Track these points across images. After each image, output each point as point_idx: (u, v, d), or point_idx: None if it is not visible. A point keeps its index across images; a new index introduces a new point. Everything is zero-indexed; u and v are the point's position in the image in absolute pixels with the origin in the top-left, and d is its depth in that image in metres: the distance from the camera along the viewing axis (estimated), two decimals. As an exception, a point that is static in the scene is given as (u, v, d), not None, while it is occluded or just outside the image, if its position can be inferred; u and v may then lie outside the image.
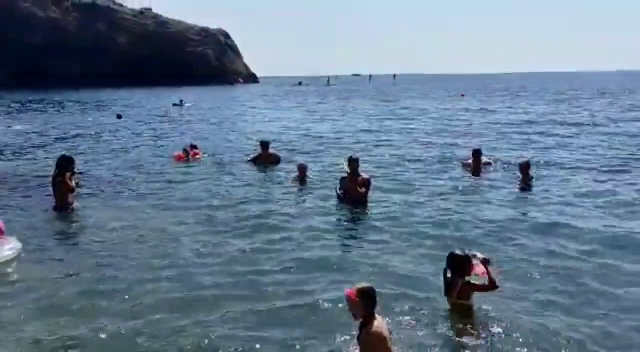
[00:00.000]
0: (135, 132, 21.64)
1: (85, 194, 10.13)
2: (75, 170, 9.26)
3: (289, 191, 10.58)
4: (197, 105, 37.65)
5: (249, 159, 13.62)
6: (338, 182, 9.68)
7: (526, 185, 10.55)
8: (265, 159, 13.26)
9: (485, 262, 4.93)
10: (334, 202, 9.47)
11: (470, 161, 12.58)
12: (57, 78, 76.84)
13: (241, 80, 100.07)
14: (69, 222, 8.59)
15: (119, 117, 27.41)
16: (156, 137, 20.08)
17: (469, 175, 12.10)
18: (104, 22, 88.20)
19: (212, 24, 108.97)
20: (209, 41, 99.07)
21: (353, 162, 9.31)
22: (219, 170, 12.86)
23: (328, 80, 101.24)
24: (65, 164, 8.94)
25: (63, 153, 9.99)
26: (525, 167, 10.88)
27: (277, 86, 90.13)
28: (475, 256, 5.00)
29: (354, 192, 9.19)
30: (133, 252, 7.01)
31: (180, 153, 14.17)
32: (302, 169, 11.23)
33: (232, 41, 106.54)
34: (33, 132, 21.64)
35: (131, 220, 8.48)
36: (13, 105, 39.41)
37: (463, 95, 49.58)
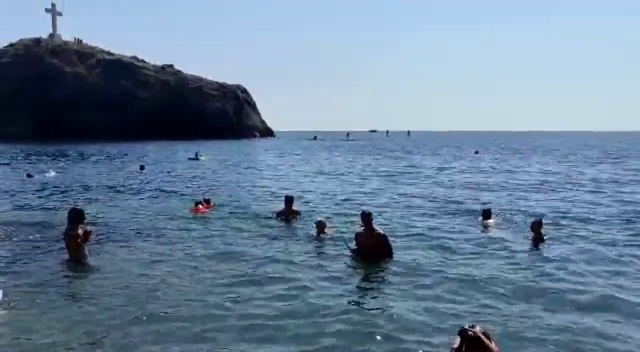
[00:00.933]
0: (154, 183, 22.18)
1: (99, 244, 10.32)
2: (86, 221, 9.34)
3: (307, 246, 10.65)
4: (213, 159, 38.47)
5: (273, 213, 13.70)
6: (353, 237, 9.70)
7: (537, 244, 10.50)
8: (288, 215, 13.37)
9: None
10: (348, 256, 9.53)
11: (480, 219, 12.81)
12: (81, 130, 79.08)
13: (257, 134, 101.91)
14: (78, 273, 8.63)
15: (142, 168, 28.11)
16: (173, 189, 20.51)
17: (480, 231, 12.23)
18: (127, 78, 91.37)
19: (231, 78, 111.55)
20: (227, 96, 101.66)
21: (366, 217, 9.30)
22: (233, 223, 13.03)
23: (347, 135, 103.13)
24: (76, 217, 9.06)
25: (74, 206, 10.05)
26: (536, 226, 10.82)
27: (293, 140, 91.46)
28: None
29: (369, 248, 9.14)
30: (144, 305, 6.97)
31: (196, 205, 14.54)
32: (321, 225, 11.33)
33: (250, 96, 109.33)
34: (59, 182, 22.27)
35: (145, 272, 8.55)
36: (42, 156, 40.64)
37: (477, 152, 49.86)
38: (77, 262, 8.98)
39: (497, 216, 13.48)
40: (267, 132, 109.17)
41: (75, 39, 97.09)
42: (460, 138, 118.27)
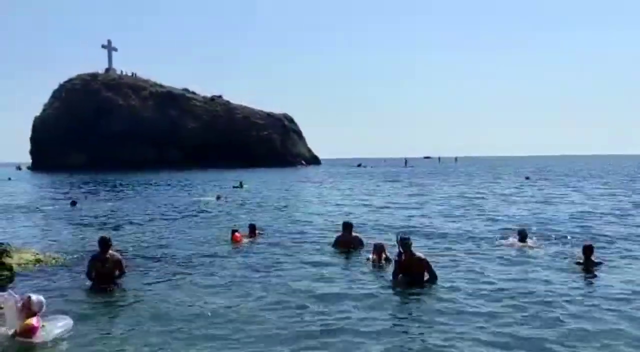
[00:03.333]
0: (200, 214, 22.43)
1: (136, 271, 10.45)
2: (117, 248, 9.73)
3: (366, 272, 10.43)
4: (257, 188, 38.72)
5: (333, 241, 13.16)
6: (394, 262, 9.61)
7: (588, 268, 10.15)
8: (347, 242, 12.68)
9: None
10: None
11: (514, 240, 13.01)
12: (134, 161, 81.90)
13: (304, 162, 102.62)
14: (109, 299, 8.71)
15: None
16: (215, 218, 20.62)
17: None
18: (177, 109, 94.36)
19: (278, 108, 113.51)
20: (274, 125, 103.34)
21: (405, 242, 9.26)
22: (279, 252, 12.88)
23: (405, 162, 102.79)
24: (104, 244, 9.44)
25: (102, 234, 10.26)
26: (588, 251, 10.50)
27: (338, 167, 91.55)
28: None
29: (408, 271, 9.13)
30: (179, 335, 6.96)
31: (239, 234, 14.48)
32: (379, 249, 10.89)
33: (296, 125, 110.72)
34: (110, 211, 22.87)
35: (178, 302, 8.43)
36: (95, 185, 42.12)
37: (528, 178, 48.49)
38: (105, 287, 9.13)
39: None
40: (314, 160, 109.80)
41: (132, 73, 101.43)
42: (509, 163, 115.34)
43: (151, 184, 44.01)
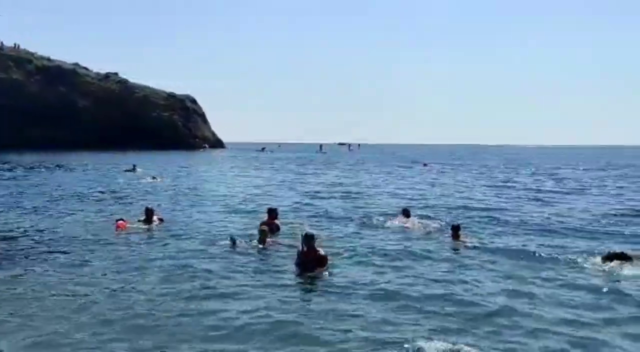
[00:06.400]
0: (85, 199, 20.36)
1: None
2: None
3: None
4: (157, 173, 36.35)
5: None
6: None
7: (456, 243, 11.67)
8: (269, 226, 12.43)
9: None
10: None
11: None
12: (19, 139, 74.92)
13: (206, 145, 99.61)
14: None
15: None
16: (103, 203, 18.80)
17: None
18: (67, 86, 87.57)
19: (180, 89, 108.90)
20: (176, 106, 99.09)
21: (308, 238, 9.40)
22: (172, 239, 11.96)
23: (320, 147, 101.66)
24: None
25: None
26: (455, 229, 12.12)
27: (243, 151, 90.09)
28: None
29: (310, 266, 9.17)
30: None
31: (123, 222, 13.07)
32: (265, 233, 11.35)
33: (199, 106, 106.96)
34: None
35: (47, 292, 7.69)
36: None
37: (425, 165, 49.87)
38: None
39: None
40: (218, 144, 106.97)
41: (14, 44, 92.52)
42: (407, 151, 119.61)
43: (34, 168, 39.96)
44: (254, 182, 29.12)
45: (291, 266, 9.39)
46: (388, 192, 23.44)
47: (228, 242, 11.11)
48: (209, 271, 9.11)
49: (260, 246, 10.99)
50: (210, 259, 10.07)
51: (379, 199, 20.60)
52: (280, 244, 11.38)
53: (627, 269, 9.18)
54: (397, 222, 14.27)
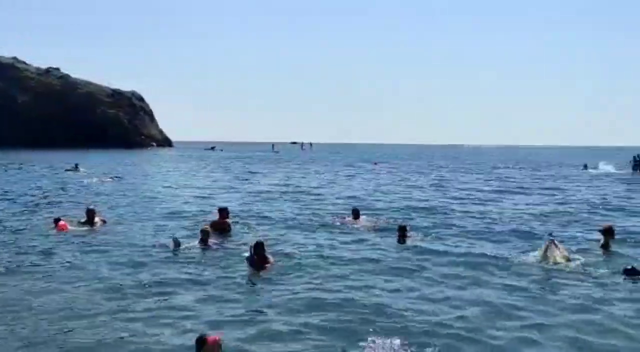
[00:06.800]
0: (18, 199, 19.40)
1: None
2: None
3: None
4: (101, 171, 35.09)
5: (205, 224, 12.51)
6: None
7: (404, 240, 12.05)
8: (218, 226, 12.49)
9: None
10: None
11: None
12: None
13: (154, 144, 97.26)
14: None
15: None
16: (41, 205, 17.97)
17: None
18: (4, 80, 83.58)
19: (127, 86, 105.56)
20: (122, 103, 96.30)
21: (258, 247, 9.42)
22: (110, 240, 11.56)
23: (272, 147, 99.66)
24: None
25: None
26: (401, 230, 12.32)
27: (191, 150, 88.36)
28: None
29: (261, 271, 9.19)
30: None
31: (63, 222, 12.54)
32: (206, 233, 11.08)
33: (146, 104, 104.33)
34: None
35: None
36: None
37: (376, 164, 50.40)
38: None
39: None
40: (165, 142, 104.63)
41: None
42: (362, 150, 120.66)
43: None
44: (201, 182, 28.58)
45: (233, 270, 9.22)
46: (337, 192, 23.47)
47: (171, 243, 10.80)
48: (151, 275, 8.85)
49: (202, 247, 10.76)
50: (151, 262, 9.79)
51: (328, 199, 20.58)
52: (222, 245, 11.19)
53: (565, 269, 9.44)
54: (346, 222, 14.31)
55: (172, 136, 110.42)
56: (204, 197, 21.08)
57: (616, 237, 11.39)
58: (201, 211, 16.48)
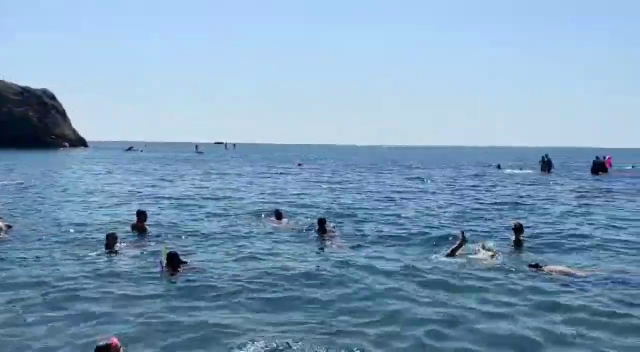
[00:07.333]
0: None
1: None
2: None
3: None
4: (9, 174, 32.63)
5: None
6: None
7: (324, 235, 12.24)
8: (139, 230, 12.56)
9: None
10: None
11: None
12: None
13: (66, 144, 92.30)
14: None
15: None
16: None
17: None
18: None
19: (38, 83, 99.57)
20: (31, 102, 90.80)
21: (171, 258, 9.13)
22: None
23: (196, 147, 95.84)
24: None
25: None
26: (321, 223, 12.59)
27: (107, 151, 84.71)
28: None
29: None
30: None
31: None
32: (112, 238, 10.68)
33: (59, 103, 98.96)
34: None
35: None
36: None
37: (300, 165, 50.33)
38: None
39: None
40: (79, 142, 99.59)
41: None
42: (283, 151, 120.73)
43: None
44: (117, 185, 27.26)
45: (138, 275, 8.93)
46: (260, 193, 23.17)
47: (81, 249, 10.20)
48: (55, 279, 8.51)
49: (106, 251, 10.36)
50: (53, 268, 9.29)
51: (250, 200, 20.25)
52: (129, 249, 10.75)
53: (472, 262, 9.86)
54: (268, 223, 14.17)
55: (91, 136, 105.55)
56: (122, 199, 20.10)
57: (525, 232, 11.97)
58: (114, 213, 15.72)
